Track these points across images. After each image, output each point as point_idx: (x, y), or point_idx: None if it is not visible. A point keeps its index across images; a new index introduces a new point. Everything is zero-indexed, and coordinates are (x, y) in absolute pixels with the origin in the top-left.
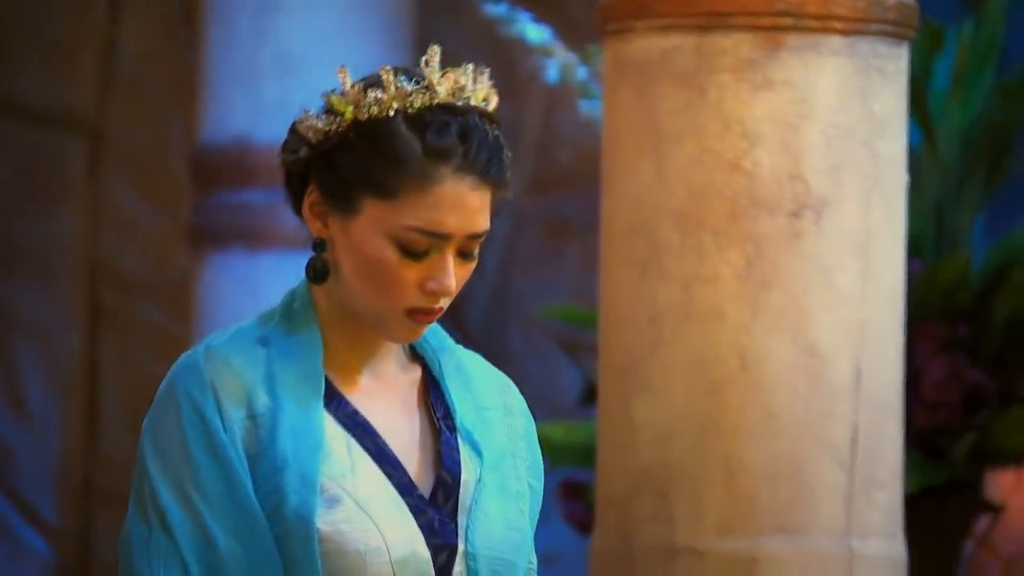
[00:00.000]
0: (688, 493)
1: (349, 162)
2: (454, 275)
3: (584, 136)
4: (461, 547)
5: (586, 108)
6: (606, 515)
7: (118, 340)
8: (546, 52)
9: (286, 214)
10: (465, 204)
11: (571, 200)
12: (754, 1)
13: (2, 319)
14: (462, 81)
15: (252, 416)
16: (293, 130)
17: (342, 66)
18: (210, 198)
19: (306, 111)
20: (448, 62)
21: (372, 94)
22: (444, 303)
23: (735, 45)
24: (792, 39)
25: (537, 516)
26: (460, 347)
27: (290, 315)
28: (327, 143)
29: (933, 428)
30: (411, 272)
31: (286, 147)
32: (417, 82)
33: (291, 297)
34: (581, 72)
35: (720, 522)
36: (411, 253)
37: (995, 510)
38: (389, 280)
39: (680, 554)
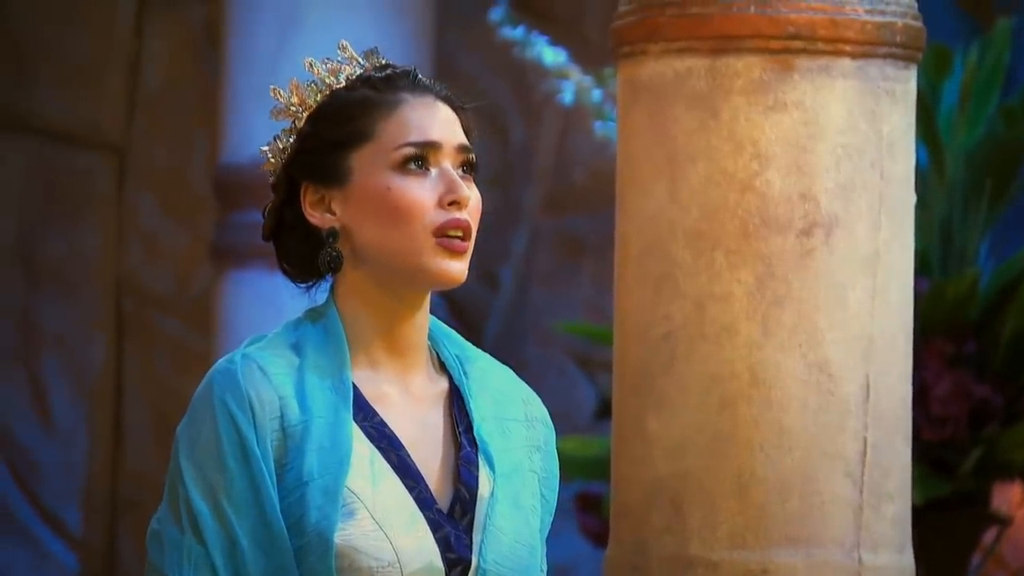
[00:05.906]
0: (701, 505)
1: (318, 140)
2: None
3: (599, 157)
4: (474, 562)
5: (601, 129)
6: (620, 527)
7: (142, 355)
8: (562, 75)
9: None
10: (436, 114)
11: (586, 219)
12: (766, 24)
13: (29, 333)
14: (378, 61)
15: (284, 428)
16: (266, 168)
17: (274, 87)
18: (232, 216)
19: (263, 149)
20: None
21: (307, 87)
22: (467, 219)
23: (747, 68)
24: (803, 62)
25: (548, 527)
26: (487, 356)
27: (318, 327)
28: (291, 148)
29: (940, 442)
30: (423, 192)
31: (272, 185)
32: (339, 61)
33: (316, 314)
34: (596, 94)
35: (732, 534)
36: (412, 170)
37: (1003, 523)
38: (406, 207)
39: (693, 565)
